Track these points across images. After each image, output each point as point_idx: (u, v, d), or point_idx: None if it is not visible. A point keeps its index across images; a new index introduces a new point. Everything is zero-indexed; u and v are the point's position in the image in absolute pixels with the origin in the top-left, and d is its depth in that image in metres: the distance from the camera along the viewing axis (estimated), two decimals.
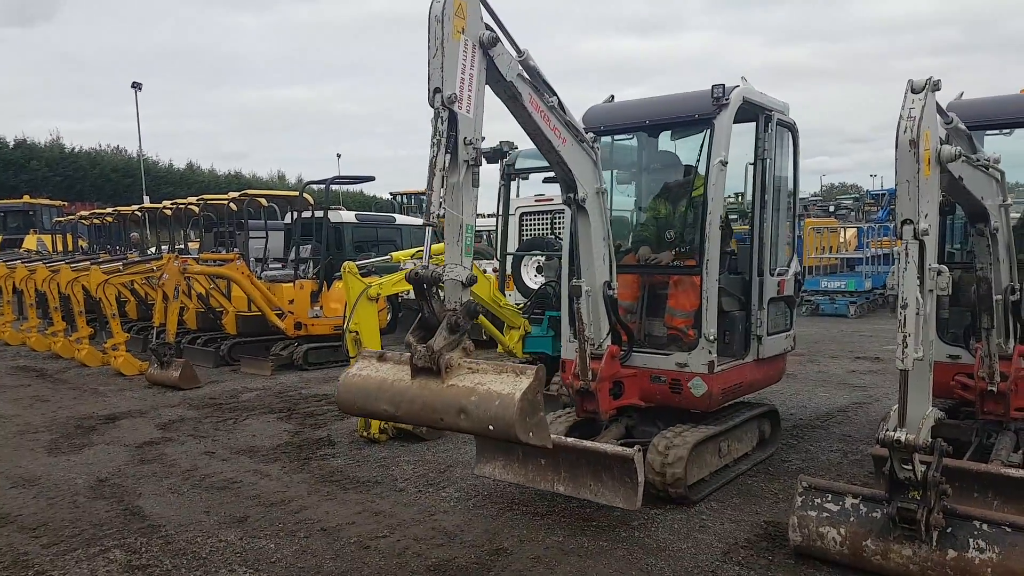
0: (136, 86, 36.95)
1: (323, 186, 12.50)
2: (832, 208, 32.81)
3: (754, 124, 5.85)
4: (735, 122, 5.53)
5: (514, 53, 4.17)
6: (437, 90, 3.56)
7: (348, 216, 15.30)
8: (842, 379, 9.78)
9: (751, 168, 5.97)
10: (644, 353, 5.55)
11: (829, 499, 4.21)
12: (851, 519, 4.09)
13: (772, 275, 5.93)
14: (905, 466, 3.76)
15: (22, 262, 13.97)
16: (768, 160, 5.77)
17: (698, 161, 5.80)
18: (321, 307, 11.60)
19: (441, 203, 3.51)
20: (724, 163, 5.26)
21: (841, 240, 22.20)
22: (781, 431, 6.53)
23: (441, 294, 3.59)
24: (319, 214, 12.71)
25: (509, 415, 3.12)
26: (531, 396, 3.17)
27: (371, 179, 20.49)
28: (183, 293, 10.69)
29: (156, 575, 4.29)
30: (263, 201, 13.45)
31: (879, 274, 18.17)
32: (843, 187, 68.68)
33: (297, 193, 13.23)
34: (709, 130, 5.41)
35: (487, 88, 3.99)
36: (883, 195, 28.80)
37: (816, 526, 4.18)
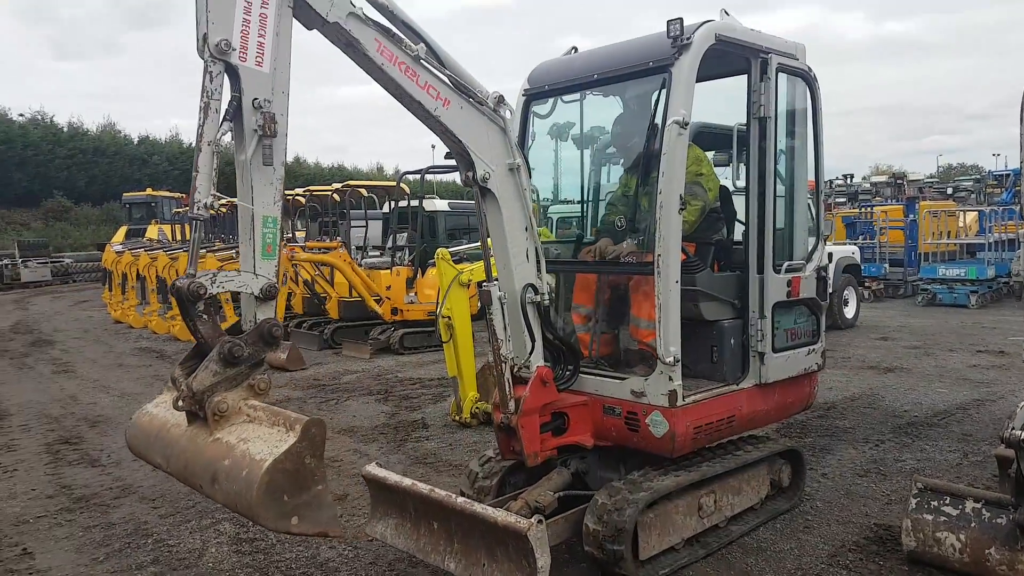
0: None
1: (418, 176, 12.73)
2: (950, 191, 30.83)
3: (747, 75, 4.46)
4: (726, 75, 4.49)
5: None
6: (205, 36, 2.79)
7: (442, 205, 15.56)
8: (962, 374, 9.16)
9: (743, 131, 4.60)
10: (596, 376, 4.29)
11: (947, 502, 3.94)
12: (972, 524, 3.82)
13: (778, 272, 4.48)
14: None
15: (145, 250, 14.92)
16: (768, 120, 4.36)
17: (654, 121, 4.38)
18: (416, 293, 11.85)
19: (212, 189, 2.79)
20: (683, 124, 3.91)
21: (960, 224, 20.82)
22: (806, 475, 5.04)
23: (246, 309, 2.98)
24: (415, 203, 12.96)
25: (250, 494, 2.37)
26: (289, 465, 2.39)
27: None
28: (290, 279, 11.13)
29: (261, 548, 4.49)
30: (363, 191, 13.86)
31: (1003, 261, 16.91)
32: (962, 168, 64.41)
33: (395, 183, 13.54)
34: (666, 80, 4.06)
35: (314, 33, 3.24)
36: (1007, 175, 26.77)
37: (932, 531, 3.92)
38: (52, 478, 5.87)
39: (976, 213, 21.36)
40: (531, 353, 4.02)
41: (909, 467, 5.67)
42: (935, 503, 3.97)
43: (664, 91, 4.10)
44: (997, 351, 10.59)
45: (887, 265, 18.47)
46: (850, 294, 13.52)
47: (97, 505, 5.26)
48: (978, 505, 3.85)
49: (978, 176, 33.78)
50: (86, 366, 11.04)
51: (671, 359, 3.89)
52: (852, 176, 31.22)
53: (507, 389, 3.90)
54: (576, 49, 4.94)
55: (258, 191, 3.00)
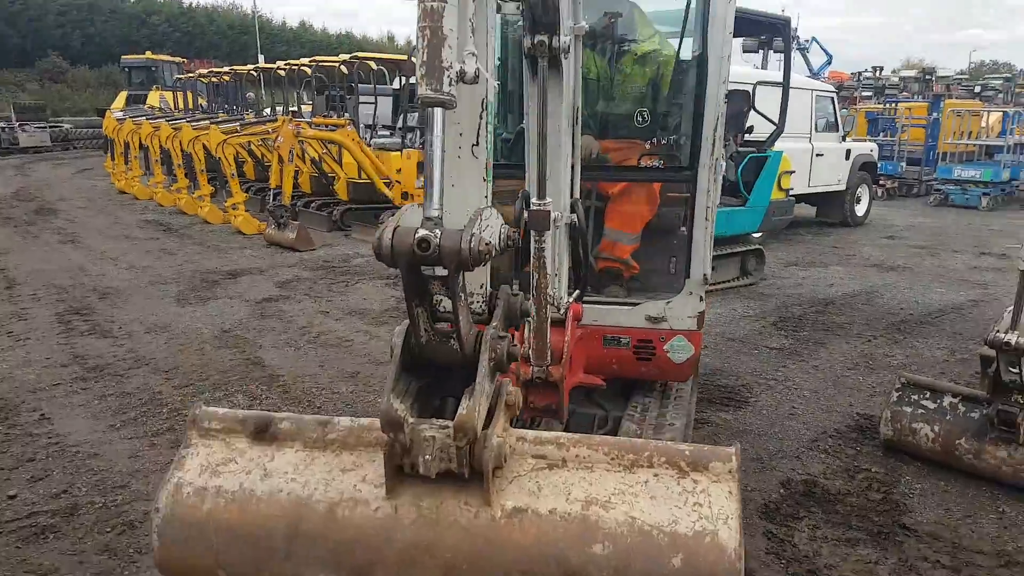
0: None
1: None
2: (978, 88, 29.73)
3: None
4: None
5: None
6: None
7: None
8: (962, 275, 9.24)
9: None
10: (594, 304, 3.68)
11: (927, 396, 4.11)
12: (947, 417, 4.00)
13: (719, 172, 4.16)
14: (1012, 369, 3.65)
15: (147, 119, 14.73)
16: None
17: None
18: None
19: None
20: None
21: (983, 125, 20.28)
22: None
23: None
24: None
25: None
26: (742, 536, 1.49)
27: None
28: (297, 156, 11.03)
29: None
30: (372, 64, 13.47)
31: (1020, 164, 16.63)
32: (994, 65, 61.84)
33: (406, 57, 13.15)
34: None
35: None
36: None
37: (909, 422, 4.12)
38: (65, 347, 6.09)
39: (1000, 114, 20.77)
40: (572, 287, 3.31)
41: (897, 362, 5.85)
42: (915, 397, 4.15)
43: None
44: (1000, 254, 10.63)
45: (904, 164, 18.18)
46: (863, 192, 13.41)
47: (111, 375, 5.49)
48: (955, 400, 4.02)
49: (1009, 75, 32.48)
50: (92, 237, 11.16)
51: (708, 276, 3.61)
52: (881, 68, 30.04)
53: (547, 336, 3.03)
54: None
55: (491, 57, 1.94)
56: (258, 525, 1.62)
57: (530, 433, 1.70)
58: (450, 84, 1.53)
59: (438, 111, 1.54)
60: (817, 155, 11.58)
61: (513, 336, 1.71)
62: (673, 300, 3.65)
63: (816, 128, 11.63)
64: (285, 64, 15.41)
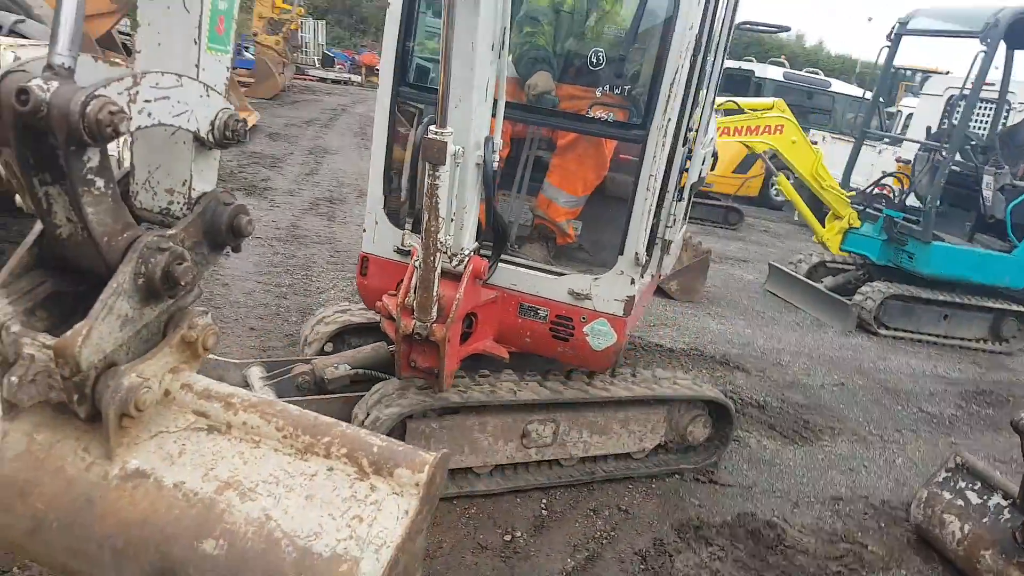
0: None
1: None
2: None
3: None
4: None
5: None
6: None
7: (774, 72, 14.18)
8: None
9: None
10: (512, 265, 3.19)
11: (976, 487, 3.23)
12: (983, 520, 3.14)
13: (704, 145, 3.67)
14: None
15: None
16: None
17: None
18: None
19: None
20: None
21: None
22: (730, 437, 3.77)
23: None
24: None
25: None
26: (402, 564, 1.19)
27: (786, 29, 17.42)
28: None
29: None
30: None
31: None
32: None
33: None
34: None
35: None
36: None
37: (942, 511, 3.28)
38: (299, 217, 7.43)
39: None
40: (475, 238, 2.95)
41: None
42: (963, 484, 3.29)
43: None
44: None
45: None
46: None
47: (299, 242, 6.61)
48: (1004, 503, 3.11)
49: None
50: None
51: (643, 257, 3.07)
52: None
53: (433, 289, 2.71)
54: None
55: None
56: None
57: (202, 382, 1.38)
58: None
59: None
60: None
61: (188, 252, 1.37)
62: (601, 277, 3.13)
63: None
64: None
